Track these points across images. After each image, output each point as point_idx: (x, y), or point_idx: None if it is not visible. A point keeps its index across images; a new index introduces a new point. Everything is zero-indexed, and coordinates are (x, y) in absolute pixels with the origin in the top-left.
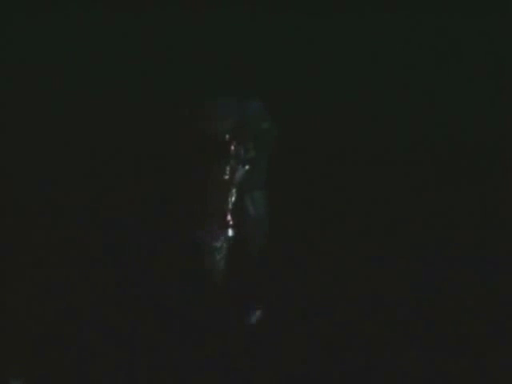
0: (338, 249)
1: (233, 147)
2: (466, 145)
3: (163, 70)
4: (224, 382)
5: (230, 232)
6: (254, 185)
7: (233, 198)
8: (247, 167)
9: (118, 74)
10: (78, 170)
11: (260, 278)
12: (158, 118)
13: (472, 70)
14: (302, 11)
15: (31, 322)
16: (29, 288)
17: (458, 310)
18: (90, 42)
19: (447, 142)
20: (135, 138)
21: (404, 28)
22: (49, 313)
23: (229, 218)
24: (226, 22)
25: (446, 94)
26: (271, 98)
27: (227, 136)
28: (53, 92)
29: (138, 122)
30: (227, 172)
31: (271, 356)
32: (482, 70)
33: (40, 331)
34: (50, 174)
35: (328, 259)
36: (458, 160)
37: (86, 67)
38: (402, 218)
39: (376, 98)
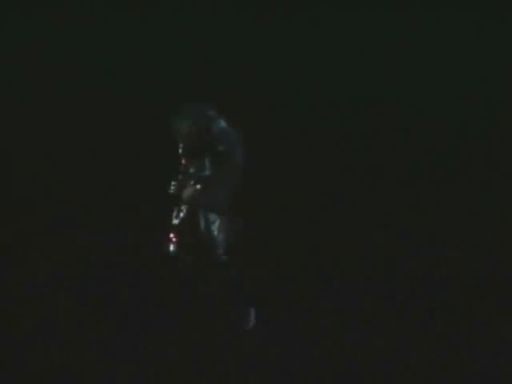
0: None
1: (183, 161)
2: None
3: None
4: None
5: (171, 247)
6: (213, 208)
7: (180, 214)
8: (199, 186)
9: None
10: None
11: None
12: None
13: None
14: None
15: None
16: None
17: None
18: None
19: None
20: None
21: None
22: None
23: (171, 234)
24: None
25: None
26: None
27: (180, 149)
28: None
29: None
30: (173, 186)
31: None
32: None
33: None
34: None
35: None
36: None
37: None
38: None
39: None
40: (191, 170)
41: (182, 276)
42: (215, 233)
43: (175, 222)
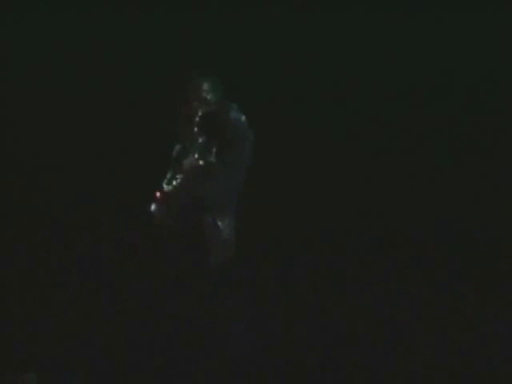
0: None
1: (195, 130)
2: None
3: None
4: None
5: (153, 207)
6: (213, 203)
7: (173, 182)
8: (201, 162)
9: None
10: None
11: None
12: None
13: None
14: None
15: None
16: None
17: None
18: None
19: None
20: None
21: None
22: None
23: (157, 193)
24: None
25: None
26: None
27: (196, 117)
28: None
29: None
30: (177, 150)
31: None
32: None
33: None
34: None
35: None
36: None
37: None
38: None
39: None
40: (199, 141)
41: (160, 236)
42: (217, 233)
43: (166, 186)
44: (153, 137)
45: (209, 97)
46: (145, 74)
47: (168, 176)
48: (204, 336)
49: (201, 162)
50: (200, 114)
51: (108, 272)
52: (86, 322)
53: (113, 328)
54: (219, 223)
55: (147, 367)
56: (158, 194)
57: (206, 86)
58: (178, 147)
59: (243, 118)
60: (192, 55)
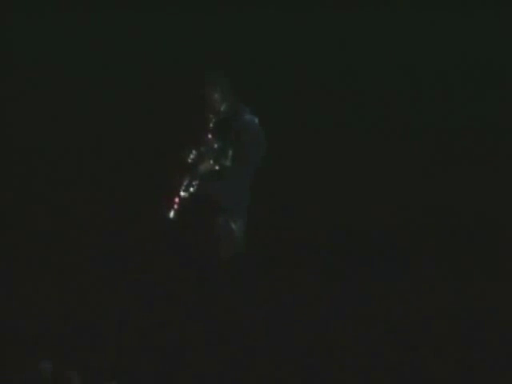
0: None
1: (210, 136)
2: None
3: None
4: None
5: (172, 214)
6: (232, 202)
7: (190, 189)
8: (217, 167)
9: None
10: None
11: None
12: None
13: None
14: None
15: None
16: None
17: None
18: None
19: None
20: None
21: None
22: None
23: (176, 200)
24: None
25: None
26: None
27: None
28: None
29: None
30: (193, 155)
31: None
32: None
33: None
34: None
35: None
36: None
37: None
38: None
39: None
40: (215, 146)
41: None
42: (229, 233)
43: (183, 193)
44: (169, 143)
45: (223, 101)
46: (160, 80)
47: (185, 183)
48: (209, 333)
49: (216, 168)
50: (214, 119)
51: (121, 271)
52: (90, 321)
53: (123, 324)
54: (232, 224)
55: (151, 363)
56: (175, 200)
57: (219, 90)
58: (194, 153)
59: (256, 120)
60: (205, 59)
